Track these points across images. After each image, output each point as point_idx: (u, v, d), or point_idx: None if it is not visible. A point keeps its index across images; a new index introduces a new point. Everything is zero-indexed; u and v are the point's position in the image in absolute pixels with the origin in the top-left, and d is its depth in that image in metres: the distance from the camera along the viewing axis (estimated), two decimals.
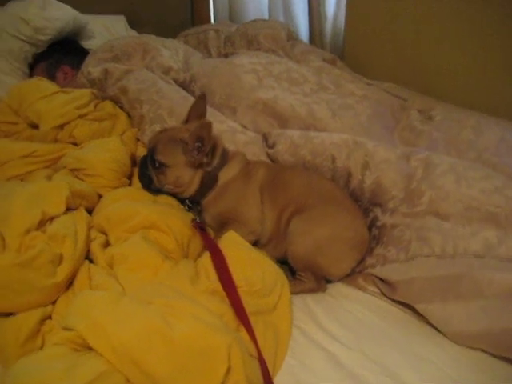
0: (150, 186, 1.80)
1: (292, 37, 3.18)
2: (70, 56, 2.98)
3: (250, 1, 3.92)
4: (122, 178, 1.95)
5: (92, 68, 2.49)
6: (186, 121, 1.89)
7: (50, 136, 2.14)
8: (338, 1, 3.28)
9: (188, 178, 1.76)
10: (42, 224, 1.60)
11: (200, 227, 1.67)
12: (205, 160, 1.75)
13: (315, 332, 1.46)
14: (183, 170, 1.75)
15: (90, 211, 1.83)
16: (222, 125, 2.07)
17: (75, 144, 2.17)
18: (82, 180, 1.92)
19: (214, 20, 4.38)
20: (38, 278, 1.42)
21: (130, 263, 1.50)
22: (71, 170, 1.95)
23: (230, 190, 1.79)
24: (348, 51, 3.32)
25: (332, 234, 1.66)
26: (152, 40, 2.73)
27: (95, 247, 1.63)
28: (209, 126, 1.67)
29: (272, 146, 2.02)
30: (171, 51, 2.69)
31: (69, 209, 1.71)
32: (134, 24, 3.80)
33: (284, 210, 1.74)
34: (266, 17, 3.86)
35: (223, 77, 2.37)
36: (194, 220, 1.71)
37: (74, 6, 3.09)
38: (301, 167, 1.95)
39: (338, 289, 1.70)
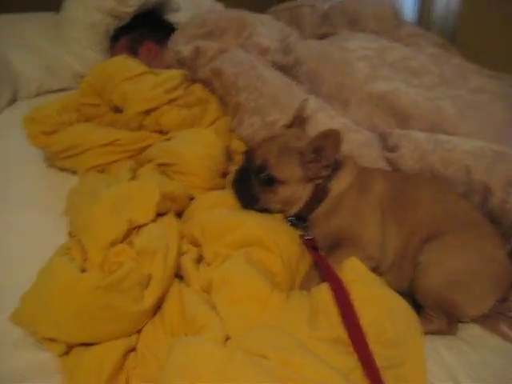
0: (253, 205, 1.51)
1: (397, 16, 2.79)
2: (154, 31, 2.70)
3: None
4: (216, 178, 1.70)
5: (182, 46, 2.22)
6: (290, 125, 1.63)
7: (134, 122, 1.91)
8: None
9: (300, 194, 1.49)
10: (128, 234, 1.36)
11: (312, 246, 1.40)
12: (323, 173, 1.47)
13: None
14: (298, 185, 1.48)
15: (178, 215, 1.58)
16: (332, 120, 1.77)
17: (161, 132, 1.92)
18: (171, 177, 1.68)
19: None
20: (125, 304, 1.20)
21: (232, 292, 1.24)
22: (159, 164, 1.70)
23: (345, 203, 1.50)
24: (462, 36, 2.92)
25: (472, 267, 1.37)
26: (248, 15, 2.41)
27: (187, 263, 1.39)
28: (337, 136, 1.39)
29: (393, 149, 1.70)
30: (268, 29, 2.37)
31: (158, 214, 1.47)
32: None
33: (412, 234, 1.45)
34: None
35: (334, 63, 2.05)
36: (302, 236, 1.44)
37: None
38: (428, 177, 1.62)
39: (474, 332, 1.40)
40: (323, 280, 1.30)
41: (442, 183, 1.60)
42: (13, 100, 2.61)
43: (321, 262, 1.35)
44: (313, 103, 1.81)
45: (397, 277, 1.46)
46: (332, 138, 1.39)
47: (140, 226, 1.41)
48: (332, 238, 1.48)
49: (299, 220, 1.52)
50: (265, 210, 1.50)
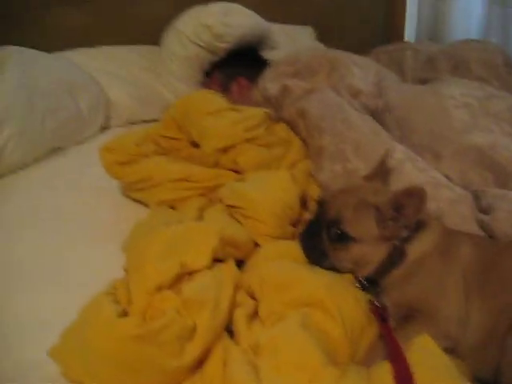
0: (321, 262, 1.36)
1: (508, 63, 2.56)
2: (248, 67, 2.64)
3: (458, 16, 3.34)
4: (286, 227, 1.56)
5: (270, 83, 2.14)
6: (371, 176, 1.49)
7: (210, 159, 1.84)
8: None
9: (374, 255, 1.33)
10: (179, 280, 1.26)
11: (381, 315, 1.22)
12: (402, 234, 1.31)
13: None
14: (372, 245, 1.32)
15: (239, 262, 1.47)
16: (420, 174, 1.59)
17: (238, 172, 1.82)
18: (238, 221, 1.58)
19: (412, 37, 3.84)
20: (161, 357, 1.09)
21: (278, 359, 1.10)
22: (228, 205, 1.61)
23: (423, 270, 1.32)
24: None
25: None
26: (342, 55, 2.29)
27: (240, 318, 1.26)
28: (421, 195, 1.24)
29: (487, 211, 1.50)
30: (362, 70, 2.24)
31: (215, 259, 1.36)
32: (321, 37, 3.47)
33: (502, 316, 1.22)
34: (478, 37, 3.25)
35: (427, 110, 1.88)
36: (372, 303, 1.27)
37: (258, 13, 2.79)
38: None
39: None
40: (387, 358, 1.12)
41: None
42: (105, 127, 2.65)
43: (388, 337, 1.17)
44: (400, 153, 1.65)
45: (479, 362, 1.25)
46: (416, 196, 1.24)
47: (193, 272, 1.30)
48: (405, 309, 1.29)
49: (371, 283, 1.35)
50: (334, 269, 1.35)
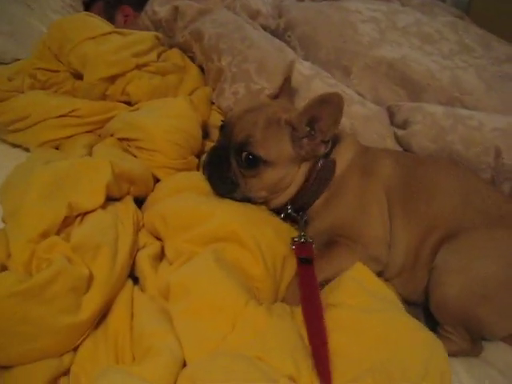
0: (231, 192, 1.20)
1: None
2: None
3: None
4: (188, 157, 1.40)
5: (158, 6, 1.92)
6: (277, 95, 1.35)
7: (96, 90, 1.61)
8: None
9: (290, 179, 1.20)
10: (67, 223, 1.07)
11: (302, 257, 1.10)
12: (320, 151, 1.18)
13: None
14: (288, 167, 1.18)
15: (140, 201, 1.30)
16: (332, 89, 1.46)
17: (129, 104, 1.63)
18: (133, 154, 1.40)
19: None
20: (51, 315, 0.91)
21: (193, 302, 0.96)
22: (120, 139, 1.42)
23: (344, 189, 1.22)
24: (476, 7, 2.62)
25: (503, 274, 1.09)
26: None
27: (144, 260, 1.12)
28: (337, 102, 1.10)
29: (403, 126, 1.42)
30: None
31: (110, 198, 1.17)
32: None
33: (428, 231, 1.17)
34: None
35: (333, 25, 1.76)
36: (296, 240, 1.15)
37: None
38: (447, 161, 1.33)
39: (502, 355, 1.14)
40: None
41: (463, 168, 1.31)
42: None
43: (303, 283, 1.05)
44: (307, 69, 1.52)
45: (407, 284, 1.20)
46: (331, 103, 1.10)
47: (85, 214, 1.11)
48: (328, 235, 1.19)
49: (297, 212, 1.23)
50: (246, 200, 1.20)
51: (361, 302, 0.97)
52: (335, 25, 1.74)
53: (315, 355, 0.87)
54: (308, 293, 1.00)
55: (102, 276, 0.99)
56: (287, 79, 1.37)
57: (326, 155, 1.21)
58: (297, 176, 1.19)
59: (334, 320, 0.93)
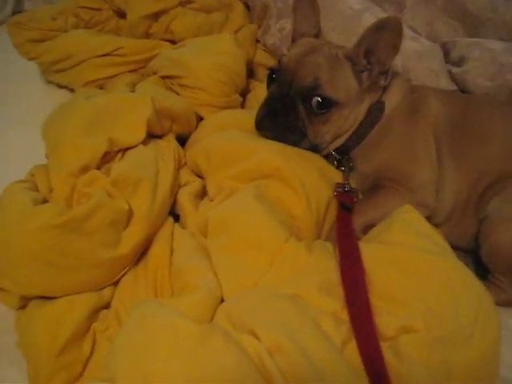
0: (300, 142, 1.11)
1: None
2: None
3: None
4: (232, 95, 1.36)
5: None
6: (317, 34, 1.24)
7: (139, 28, 1.58)
8: None
9: (355, 117, 1.13)
10: (108, 158, 1.05)
11: (344, 205, 1.04)
12: (381, 83, 1.11)
13: None
14: (354, 105, 1.11)
15: (183, 140, 1.27)
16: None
17: (173, 42, 1.59)
18: (177, 92, 1.36)
19: None
20: (91, 248, 0.90)
21: (232, 238, 0.93)
22: (163, 77, 1.39)
23: (392, 130, 1.14)
24: None
25: None
26: None
27: (184, 198, 1.10)
28: (396, 26, 1.01)
29: (459, 63, 1.32)
30: None
31: (152, 136, 1.15)
32: None
33: (479, 177, 1.10)
34: None
35: None
36: (339, 187, 1.08)
37: None
38: (502, 102, 1.24)
39: None
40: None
41: None
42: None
43: (341, 230, 0.98)
44: (357, 2, 1.42)
45: (455, 230, 1.13)
46: (388, 30, 1.02)
47: (126, 150, 1.09)
48: (373, 178, 1.13)
49: (342, 156, 1.16)
50: (312, 148, 1.12)
51: (414, 241, 0.91)
52: None
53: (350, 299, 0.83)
54: (345, 242, 0.93)
55: (142, 211, 0.97)
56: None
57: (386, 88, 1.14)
58: (359, 114, 1.13)
59: (383, 257, 0.87)
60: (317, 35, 1.24)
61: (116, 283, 0.96)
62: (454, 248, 1.02)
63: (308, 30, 1.22)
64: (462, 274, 0.87)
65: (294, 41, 1.24)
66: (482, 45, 1.32)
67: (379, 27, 1.02)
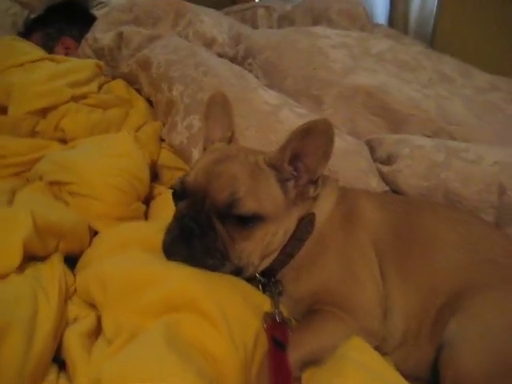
0: (222, 267, 0.91)
1: (368, 17, 2.36)
2: (74, 25, 2.19)
3: None
4: (133, 203, 1.18)
5: (100, 33, 1.71)
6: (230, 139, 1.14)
7: (24, 126, 1.39)
8: None
9: (283, 232, 0.96)
10: None
11: (276, 340, 0.85)
12: (311, 194, 0.97)
13: None
14: (282, 218, 0.95)
15: (72, 260, 1.04)
16: (303, 120, 1.22)
17: (64, 142, 1.41)
18: (66, 202, 1.16)
19: None
20: None
21: None
22: (50, 183, 1.17)
23: (327, 245, 0.99)
24: (439, 40, 2.55)
25: None
26: (188, 4, 1.91)
27: (74, 341, 0.86)
28: (326, 129, 0.91)
29: (388, 161, 1.22)
30: (214, 20, 1.88)
31: (32, 257, 0.92)
32: None
33: (430, 293, 0.96)
34: None
35: (300, 51, 1.55)
36: (269, 317, 0.89)
37: None
38: (442, 204, 1.15)
39: None
40: None
41: (462, 211, 1.11)
42: None
43: (275, 373, 0.80)
44: (273, 97, 1.30)
45: (408, 358, 0.97)
46: (317, 134, 0.90)
47: None
48: (307, 304, 0.95)
49: (269, 278, 0.98)
50: (236, 272, 0.93)
51: None
52: (303, 51, 1.54)
53: None
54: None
55: (11, 368, 0.73)
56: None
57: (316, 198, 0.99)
58: (287, 229, 0.96)
59: None
60: (230, 139, 1.09)
61: None
62: (407, 377, 0.85)
63: (221, 136, 1.09)
64: None
65: (204, 150, 1.09)
66: (410, 142, 1.25)
67: (307, 131, 0.90)
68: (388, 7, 2.80)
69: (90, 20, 2.16)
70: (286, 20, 2.38)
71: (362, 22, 2.20)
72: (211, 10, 2.06)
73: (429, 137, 1.31)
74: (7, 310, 0.78)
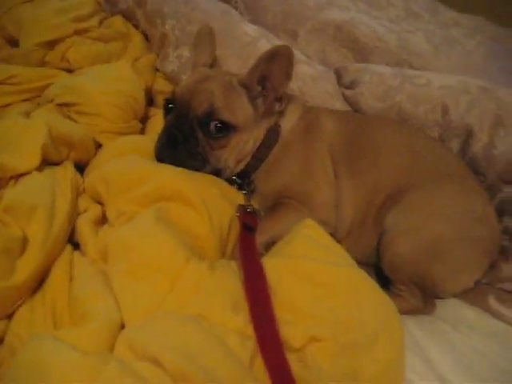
0: (202, 168, 1.12)
1: None
2: None
3: None
4: (131, 121, 1.36)
5: None
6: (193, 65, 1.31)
7: (34, 56, 1.54)
8: None
9: (255, 138, 1.17)
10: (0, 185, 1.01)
11: (246, 225, 1.06)
12: (277, 108, 1.16)
13: None
14: (252, 129, 1.15)
15: (81, 167, 1.25)
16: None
17: (69, 71, 1.56)
18: (74, 120, 1.33)
19: None
20: None
21: (132, 262, 0.91)
22: (59, 104, 1.36)
23: (290, 151, 1.20)
24: None
25: (454, 230, 1.08)
26: None
27: (84, 224, 1.06)
28: (287, 55, 1.08)
29: (351, 86, 1.41)
30: None
31: (49, 163, 1.12)
32: None
33: (375, 191, 1.16)
34: None
35: None
36: (241, 208, 1.10)
37: None
38: (393, 120, 1.33)
39: (455, 310, 1.12)
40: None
41: (409, 126, 1.30)
42: None
43: (243, 251, 0.99)
44: (253, 30, 1.48)
45: (357, 244, 1.18)
46: (280, 57, 1.08)
47: (19, 176, 1.05)
48: (274, 198, 1.16)
49: (243, 179, 1.19)
50: (215, 173, 1.13)
51: (316, 254, 0.94)
52: None
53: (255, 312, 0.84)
54: (248, 260, 0.95)
55: (37, 238, 0.93)
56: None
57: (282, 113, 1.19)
58: (257, 138, 1.17)
59: (286, 270, 0.90)
60: (212, 65, 1.28)
61: (10, 316, 0.91)
62: (357, 262, 1.07)
63: (205, 62, 1.27)
64: (367, 284, 0.91)
65: None
66: (371, 69, 1.42)
67: (271, 55, 1.07)
68: None
69: None
70: None
71: None
72: None
73: (390, 66, 1.49)
74: (34, 196, 0.98)
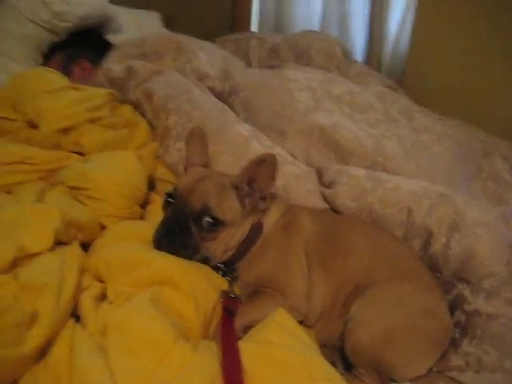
0: (193, 257, 1.28)
1: (346, 55, 2.73)
2: (91, 49, 2.50)
3: (300, 10, 3.51)
4: (133, 207, 1.53)
5: (114, 64, 2.06)
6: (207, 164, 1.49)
7: (50, 140, 1.72)
8: (403, 19, 2.88)
9: (241, 233, 1.34)
10: (16, 264, 1.16)
11: (228, 309, 1.21)
12: (261, 207, 1.35)
13: None
14: (239, 224, 1.32)
15: (86, 245, 1.40)
16: (267, 151, 1.62)
17: (81, 154, 1.73)
18: (82, 203, 1.50)
19: (256, 28, 3.95)
20: None
21: (126, 339, 1.04)
22: (70, 187, 1.52)
23: (270, 245, 1.36)
24: (409, 78, 2.88)
25: (409, 323, 1.24)
26: (189, 40, 2.27)
27: (86, 301, 1.20)
28: (272, 162, 1.27)
29: (329, 186, 1.58)
30: (209, 55, 2.24)
31: (58, 242, 1.28)
32: (168, 24, 3.37)
33: (342, 284, 1.32)
34: (317, 30, 3.41)
35: (272, 92, 1.93)
36: (225, 293, 1.25)
37: None
38: (362, 219, 1.51)
39: None
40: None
41: (377, 226, 1.48)
42: None
43: (224, 336, 1.12)
44: (246, 130, 1.67)
45: (325, 330, 1.33)
46: (267, 163, 1.26)
47: (33, 256, 1.21)
48: (254, 286, 1.32)
49: (228, 267, 1.35)
50: (204, 261, 1.30)
51: (285, 341, 1.08)
52: (275, 91, 1.92)
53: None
54: (227, 342, 1.08)
55: (46, 313, 1.07)
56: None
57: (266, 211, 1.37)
58: (243, 233, 1.33)
59: (259, 355, 1.04)
60: (206, 165, 1.46)
61: (15, 382, 1.03)
62: (324, 345, 1.22)
63: (199, 160, 1.45)
64: (324, 369, 1.05)
65: (186, 169, 1.46)
66: (348, 171, 1.59)
67: (259, 161, 1.26)
68: (366, 48, 3.15)
69: (107, 46, 2.48)
70: (273, 53, 2.74)
71: (337, 60, 2.57)
72: (207, 44, 2.40)
73: (367, 168, 1.67)
74: (45, 276, 1.12)
